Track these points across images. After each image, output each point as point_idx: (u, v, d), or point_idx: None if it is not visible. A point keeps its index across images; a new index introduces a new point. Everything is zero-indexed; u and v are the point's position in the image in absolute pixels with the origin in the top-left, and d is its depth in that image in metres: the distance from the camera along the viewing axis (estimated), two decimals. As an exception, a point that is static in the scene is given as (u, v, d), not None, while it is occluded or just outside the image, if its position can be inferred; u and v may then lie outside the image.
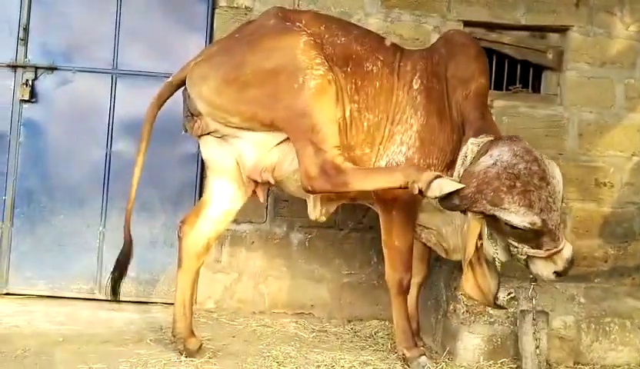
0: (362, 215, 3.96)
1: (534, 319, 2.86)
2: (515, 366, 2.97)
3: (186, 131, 3.06)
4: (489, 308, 2.94)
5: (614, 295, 3.17)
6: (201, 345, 3.04)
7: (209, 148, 3.07)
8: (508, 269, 3.76)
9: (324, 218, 3.18)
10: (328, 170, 2.72)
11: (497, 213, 2.53)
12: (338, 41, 2.99)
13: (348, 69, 2.94)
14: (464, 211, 2.61)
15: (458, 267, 3.29)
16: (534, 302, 2.87)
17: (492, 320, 3.08)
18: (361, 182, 2.76)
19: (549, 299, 3.02)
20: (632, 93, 4.13)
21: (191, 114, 2.98)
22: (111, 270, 3.13)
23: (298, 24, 2.96)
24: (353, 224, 4.01)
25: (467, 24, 4.05)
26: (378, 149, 2.99)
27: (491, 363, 3.02)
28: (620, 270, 4.11)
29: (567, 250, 2.59)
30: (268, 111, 2.81)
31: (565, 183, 4.00)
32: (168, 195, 3.91)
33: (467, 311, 3.11)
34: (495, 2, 4.04)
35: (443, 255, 3.26)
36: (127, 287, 3.94)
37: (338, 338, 3.58)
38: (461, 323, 3.11)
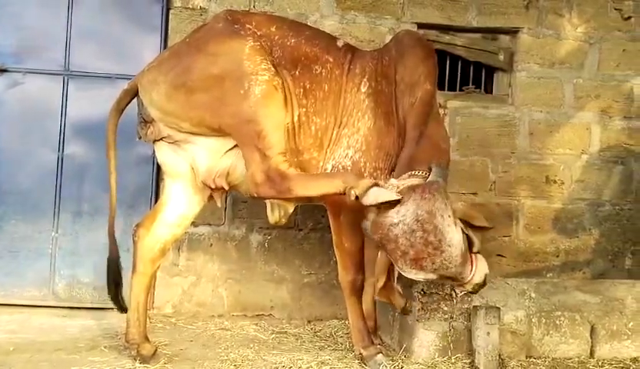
0: (321, 215, 3.98)
1: (486, 314, 2.93)
2: (469, 361, 3.02)
3: (140, 137, 3.04)
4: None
5: (563, 289, 3.26)
6: (155, 351, 3.00)
7: (163, 153, 3.05)
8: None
9: (283, 221, 3.19)
10: (273, 176, 2.75)
11: (394, 264, 2.71)
12: (288, 43, 2.99)
13: (297, 72, 2.95)
14: None
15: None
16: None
17: (447, 316, 3.13)
18: (304, 188, 2.79)
19: (501, 294, 3.09)
20: (580, 92, 4.26)
21: (144, 120, 2.96)
22: (108, 289, 3.08)
23: (247, 26, 2.94)
24: (312, 224, 4.03)
25: (421, 26, 4.10)
26: (326, 153, 3.00)
27: (445, 358, 3.07)
28: (571, 265, 4.23)
29: (478, 276, 2.71)
30: (215, 117, 2.81)
31: (517, 181, 4.19)
32: (124, 198, 3.82)
33: (422, 308, 3.16)
34: (447, 5, 4.11)
35: None
36: (81, 294, 3.90)
37: (297, 339, 3.59)
38: (417, 320, 3.15)
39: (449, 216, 2.61)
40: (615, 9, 4.26)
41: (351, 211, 2.96)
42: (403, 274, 2.69)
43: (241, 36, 2.88)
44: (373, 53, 3.22)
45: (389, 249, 2.64)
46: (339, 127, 2.99)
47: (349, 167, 2.96)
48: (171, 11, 3.96)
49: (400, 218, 2.59)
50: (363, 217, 2.96)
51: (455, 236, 2.62)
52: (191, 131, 2.90)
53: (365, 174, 2.97)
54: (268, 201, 3.12)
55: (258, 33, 2.95)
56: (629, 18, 4.27)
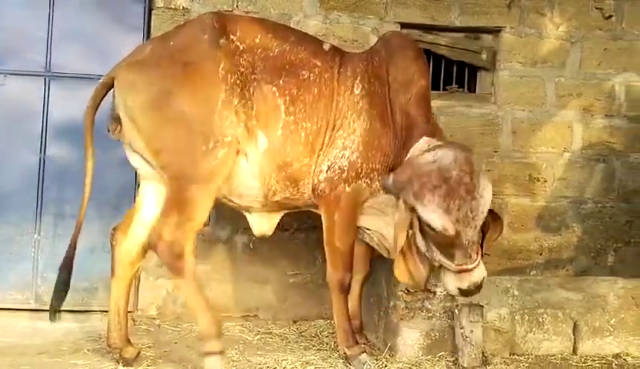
0: (307, 215, 3.96)
1: (469, 312, 2.94)
2: (453, 359, 3.04)
3: (109, 130, 2.98)
4: (424, 293, 3.05)
5: (546, 287, 3.28)
6: (138, 353, 3.00)
7: (131, 154, 3.02)
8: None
9: (270, 233, 3.22)
10: (175, 251, 2.78)
11: (417, 206, 2.62)
12: (271, 54, 2.96)
13: (281, 81, 2.93)
14: (397, 196, 2.73)
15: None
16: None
17: (430, 315, 3.15)
18: (186, 292, 2.87)
19: (484, 292, 3.09)
20: (562, 91, 4.29)
21: (115, 116, 2.92)
22: (55, 287, 3.03)
23: (232, 37, 2.91)
24: (297, 225, 4.02)
25: (404, 25, 4.11)
26: (318, 156, 3.00)
27: (429, 357, 3.09)
28: (554, 262, 4.27)
29: (477, 274, 2.69)
30: (169, 157, 2.80)
31: (501, 179, 4.21)
32: (106, 200, 3.80)
33: (406, 307, 3.17)
34: (430, 5, 4.12)
35: (385, 255, 3.30)
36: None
37: (282, 339, 3.59)
38: (401, 319, 3.17)
39: (483, 173, 2.66)
40: (596, 8, 4.29)
41: (346, 211, 3.02)
42: (422, 212, 2.61)
43: (218, 80, 2.81)
44: (361, 55, 3.22)
45: (420, 183, 2.60)
46: (332, 129, 2.99)
47: (346, 168, 2.98)
48: (153, 12, 3.93)
49: (436, 158, 2.65)
50: (356, 217, 3.07)
51: (486, 191, 2.65)
52: (141, 152, 2.89)
53: (362, 175, 2.99)
54: (251, 214, 3.15)
55: (241, 47, 2.92)
56: (610, 17, 4.31)
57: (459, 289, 2.74)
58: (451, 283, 2.75)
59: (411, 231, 2.75)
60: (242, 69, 2.88)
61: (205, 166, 2.78)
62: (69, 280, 2.97)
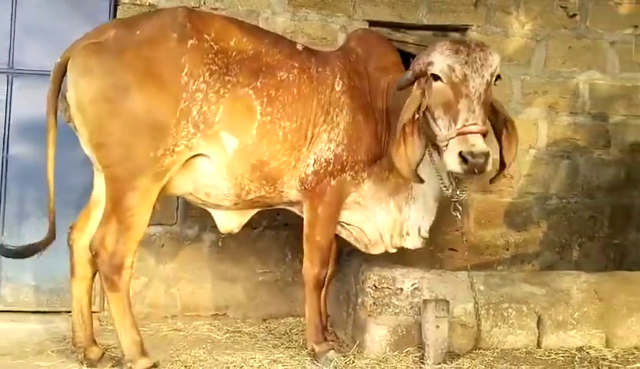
0: (277, 213, 3.97)
1: (435, 307, 2.97)
2: (420, 354, 3.06)
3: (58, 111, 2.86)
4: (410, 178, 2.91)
5: (511, 282, 3.32)
6: (103, 354, 2.96)
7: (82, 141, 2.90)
8: (414, 260, 3.91)
9: (237, 230, 3.20)
10: (114, 262, 2.72)
11: (427, 59, 2.71)
12: (246, 57, 2.92)
13: (258, 83, 2.90)
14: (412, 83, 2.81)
15: (367, 260, 3.39)
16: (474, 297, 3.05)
17: (398, 311, 3.16)
18: (117, 307, 2.77)
19: (450, 287, 3.13)
20: (528, 89, 4.36)
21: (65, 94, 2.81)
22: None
23: (205, 36, 2.83)
24: (267, 222, 4.01)
25: (372, 23, 4.14)
26: (302, 152, 3.00)
27: (396, 352, 3.10)
28: (521, 258, 4.33)
29: (482, 144, 2.59)
30: (112, 156, 2.71)
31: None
32: (71, 199, 3.71)
33: (374, 304, 3.18)
34: (398, 3, 4.15)
35: (363, 249, 3.37)
36: (28, 297, 3.80)
37: (252, 338, 3.58)
38: (369, 315, 3.18)
39: None
40: (561, 7, 4.37)
41: (330, 205, 3.05)
42: (432, 58, 2.69)
43: (180, 86, 2.72)
44: (336, 53, 3.25)
45: (431, 48, 2.74)
46: (314, 126, 3.00)
47: (332, 160, 3.01)
48: (119, 7, 3.88)
49: None
50: (339, 213, 3.10)
51: (495, 57, 2.72)
52: (84, 142, 2.80)
53: (347, 168, 3.03)
54: (218, 211, 3.13)
55: (215, 48, 2.84)
56: (574, 15, 4.39)
57: (461, 154, 2.58)
58: (454, 151, 2.61)
59: (417, 115, 2.76)
60: (215, 68, 2.82)
61: (149, 174, 2.71)
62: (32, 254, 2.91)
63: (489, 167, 2.62)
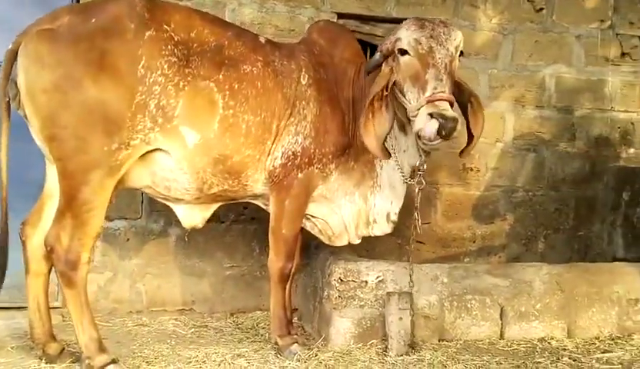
0: (244, 207, 3.94)
1: (399, 300, 2.98)
2: (383, 346, 3.07)
3: (9, 99, 2.75)
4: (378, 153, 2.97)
5: (474, 273, 3.34)
6: (63, 350, 2.92)
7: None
8: (383, 253, 3.92)
9: (201, 225, 3.17)
10: (69, 258, 2.67)
11: (395, 36, 2.84)
12: (208, 49, 2.86)
13: (220, 76, 2.86)
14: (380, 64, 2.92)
15: (334, 253, 3.41)
16: (411, 282, 3.06)
17: (362, 303, 3.17)
18: (73, 304, 2.72)
19: (414, 280, 3.14)
20: (495, 83, 4.38)
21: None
22: None
23: (165, 27, 2.76)
24: (234, 217, 3.98)
25: (340, 16, 4.11)
26: (266, 145, 2.98)
27: (360, 345, 3.11)
28: (487, 250, 4.37)
29: (449, 109, 2.67)
30: (65, 149, 2.63)
31: (435, 169, 4.28)
32: (33, 193, 3.64)
33: (339, 297, 3.18)
34: (366, -5, 4.14)
35: (326, 242, 3.37)
36: (-12, 293, 3.72)
37: (217, 332, 3.56)
38: (334, 308, 3.18)
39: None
40: (528, 1, 4.40)
41: (297, 198, 3.04)
42: (399, 35, 2.81)
43: (136, 79, 2.66)
44: (299, 47, 3.22)
45: (399, 27, 2.88)
46: (280, 119, 2.98)
47: (299, 153, 3.00)
48: (81, 2, 3.80)
49: None
50: (306, 205, 3.12)
51: (459, 33, 2.86)
52: (36, 133, 2.72)
53: (314, 161, 3.04)
54: (180, 205, 3.09)
55: (176, 38, 2.77)
56: (541, 9, 4.42)
57: (432, 115, 2.64)
58: (424, 114, 2.68)
59: (385, 93, 2.86)
60: (174, 60, 2.75)
61: (104, 167, 2.65)
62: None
63: (456, 133, 2.72)
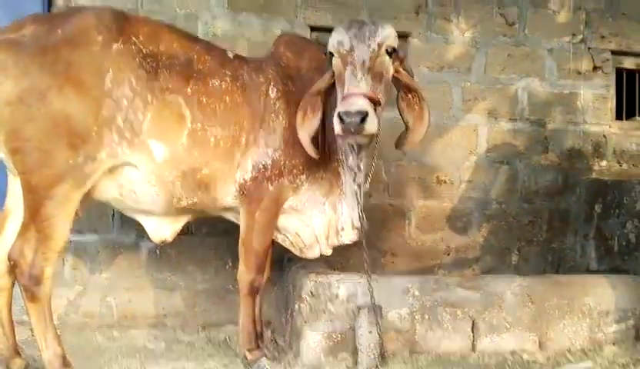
0: (217, 220, 3.89)
1: (368, 313, 2.96)
2: (353, 360, 3.05)
3: None
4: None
5: (445, 286, 3.33)
6: (27, 366, 2.87)
7: None
8: (356, 266, 3.90)
9: (170, 239, 3.15)
10: (33, 272, 2.65)
11: (329, 43, 2.85)
12: (177, 63, 2.85)
13: (189, 90, 2.84)
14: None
15: (306, 267, 3.41)
16: (370, 295, 2.99)
17: (333, 317, 3.15)
18: (37, 319, 2.70)
19: (385, 293, 3.12)
20: (468, 95, 4.41)
21: None
22: None
23: (133, 39, 2.75)
24: (207, 230, 3.96)
25: (314, 29, 4.14)
26: (236, 158, 2.97)
27: (331, 358, 3.08)
28: (461, 262, 4.38)
29: (359, 103, 2.63)
30: (29, 163, 2.59)
31: (409, 181, 4.30)
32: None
33: (310, 310, 3.16)
34: (340, 8, 4.16)
35: (298, 254, 3.35)
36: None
37: (188, 347, 3.52)
38: (305, 321, 3.15)
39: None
40: (500, 15, 4.45)
41: (267, 210, 3.02)
42: (330, 39, 2.84)
43: (106, 90, 2.64)
44: (267, 61, 3.22)
45: None
46: (249, 132, 2.98)
47: (269, 166, 2.99)
48: (52, 10, 3.78)
49: None
50: (276, 218, 3.10)
51: (388, 28, 2.86)
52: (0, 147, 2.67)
53: (285, 172, 3.02)
54: (148, 218, 3.06)
55: (144, 51, 2.76)
56: (513, 23, 4.47)
57: (339, 115, 2.63)
58: (335, 114, 2.67)
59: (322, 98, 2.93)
60: (142, 73, 2.73)
61: (68, 181, 2.62)
62: None
63: (368, 127, 2.63)
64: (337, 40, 2.81)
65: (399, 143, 3.07)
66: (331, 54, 2.84)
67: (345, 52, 2.77)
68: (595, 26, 4.60)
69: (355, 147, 2.97)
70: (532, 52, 4.51)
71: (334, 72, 2.88)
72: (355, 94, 2.66)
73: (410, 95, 2.97)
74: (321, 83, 2.93)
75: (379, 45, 2.79)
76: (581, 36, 4.58)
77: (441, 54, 4.35)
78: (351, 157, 3.04)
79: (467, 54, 4.40)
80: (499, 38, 4.45)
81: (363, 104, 2.62)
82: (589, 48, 4.61)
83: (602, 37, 4.61)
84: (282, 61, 3.20)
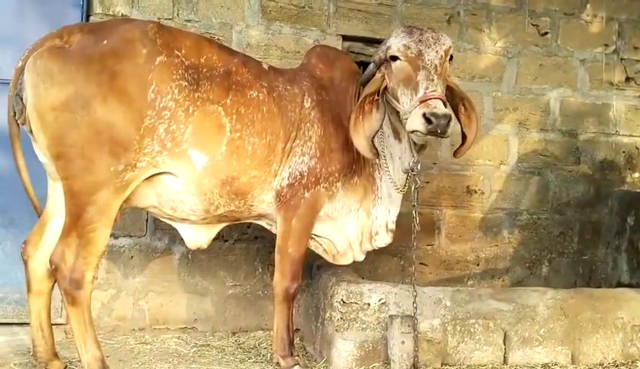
0: (247, 226, 3.95)
1: (401, 323, 2.96)
2: (385, 370, 3.06)
3: (15, 114, 2.76)
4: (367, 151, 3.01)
5: (478, 297, 3.33)
6: (65, 367, 2.93)
7: (35, 145, 2.82)
8: (385, 275, 3.91)
9: (206, 246, 3.20)
10: (74, 277, 2.68)
11: (386, 45, 2.97)
12: (216, 74, 2.91)
13: (228, 101, 2.91)
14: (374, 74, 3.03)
15: (336, 274, 3.41)
16: (414, 306, 3.03)
17: (365, 326, 3.16)
18: (77, 322, 2.73)
19: (417, 303, 3.12)
20: (499, 105, 4.40)
21: (22, 96, 2.71)
22: None
23: (176, 52, 2.81)
24: (238, 235, 3.99)
25: (346, 38, 4.16)
26: (274, 166, 3.02)
27: (362, 368, 3.09)
28: (491, 273, 4.36)
29: (442, 107, 2.74)
30: (72, 169, 2.64)
31: (439, 191, 4.29)
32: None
33: (341, 318, 3.17)
34: (371, 18, 4.18)
35: (330, 260, 3.39)
36: (-7, 309, 3.74)
37: (219, 352, 3.55)
38: (336, 330, 3.17)
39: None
40: (532, 25, 4.43)
41: (304, 217, 3.07)
42: (390, 43, 2.93)
43: (149, 102, 2.69)
44: (300, 73, 3.28)
45: (390, 37, 3.01)
46: (285, 142, 3.03)
47: (305, 173, 3.05)
48: (91, 17, 3.85)
49: None
50: (312, 226, 3.16)
51: (448, 38, 2.99)
52: (43, 152, 2.74)
53: (321, 180, 3.08)
54: (185, 225, 3.12)
55: (186, 63, 2.82)
56: (545, 33, 4.46)
57: (425, 115, 2.69)
58: (417, 115, 2.73)
59: (376, 97, 2.96)
60: (185, 84, 2.79)
61: (109, 188, 2.67)
62: None
63: (450, 130, 2.75)
64: (402, 43, 2.87)
65: (459, 152, 3.21)
66: (392, 58, 2.89)
67: (413, 56, 2.84)
68: (628, 37, 4.57)
69: (417, 150, 3.06)
70: (564, 63, 4.49)
71: (384, 75, 2.96)
72: (435, 98, 2.75)
73: (464, 102, 3.10)
74: (373, 86, 2.98)
75: (445, 52, 2.88)
76: (613, 47, 4.55)
77: (473, 64, 4.35)
78: (410, 158, 3.09)
79: (498, 64, 4.40)
80: (531, 48, 4.44)
81: (445, 108, 2.76)
82: (622, 59, 4.58)
83: (635, 48, 4.58)
84: (315, 73, 3.28)
